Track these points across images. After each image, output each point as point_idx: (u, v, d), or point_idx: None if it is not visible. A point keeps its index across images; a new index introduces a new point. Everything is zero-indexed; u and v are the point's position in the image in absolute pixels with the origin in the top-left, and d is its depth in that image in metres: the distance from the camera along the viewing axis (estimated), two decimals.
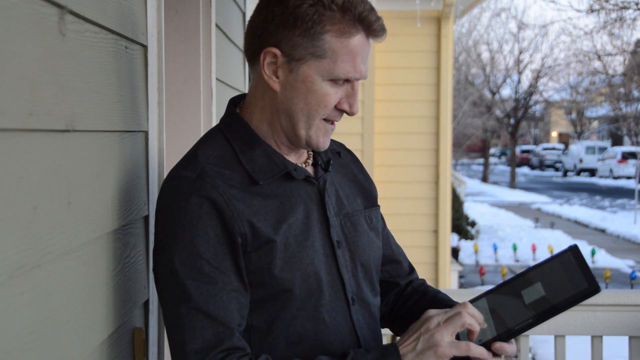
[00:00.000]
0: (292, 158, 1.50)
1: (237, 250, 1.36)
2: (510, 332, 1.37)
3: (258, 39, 1.42)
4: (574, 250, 1.37)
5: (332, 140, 1.64)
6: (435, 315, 1.37)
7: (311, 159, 1.54)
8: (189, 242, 1.34)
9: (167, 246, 1.37)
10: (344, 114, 1.47)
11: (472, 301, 1.42)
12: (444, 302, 1.56)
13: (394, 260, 1.68)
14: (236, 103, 1.53)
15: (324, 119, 1.44)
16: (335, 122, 1.47)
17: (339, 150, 1.61)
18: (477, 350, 1.34)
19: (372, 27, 1.40)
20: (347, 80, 1.42)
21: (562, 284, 1.36)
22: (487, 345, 1.37)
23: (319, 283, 1.42)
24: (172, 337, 1.36)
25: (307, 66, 1.39)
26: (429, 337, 1.34)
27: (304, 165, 1.52)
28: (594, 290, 1.33)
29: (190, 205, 1.35)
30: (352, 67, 1.40)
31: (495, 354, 1.38)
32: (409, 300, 1.64)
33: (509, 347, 1.38)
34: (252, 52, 1.44)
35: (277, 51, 1.39)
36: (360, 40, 1.40)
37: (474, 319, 1.36)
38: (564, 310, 1.35)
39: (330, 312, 1.44)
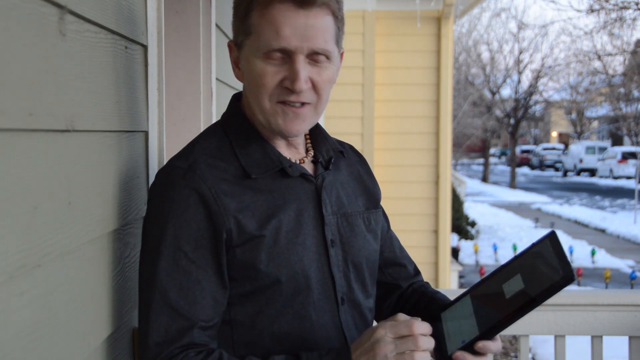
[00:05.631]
0: (290, 154, 1.49)
1: (220, 246, 1.36)
2: (492, 330, 1.33)
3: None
4: (551, 237, 1.35)
5: (341, 142, 1.64)
6: (383, 343, 1.28)
7: (309, 156, 1.54)
8: (171, 233, 1.35)
9: (151, 235, 1.38)
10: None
11: (456, 300, 1.40)
12: (441, 302, 1.56)
13: (397, 263, 1.68)
14: (239, 98, 1.54)
15: (281, 102, 1.40)
16: (304, 105, 1.40)
17: (341, 149, 1.60)
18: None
19: None
20: (286, 55, 1.36)
21: (540, 274, 1.32)
22: (471, 345, 1.33)
23: (307, 281, 1.42)
24: (140, 326, 1.38)
25: (246, 49, 1.41)
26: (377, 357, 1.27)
27: (300, 162, 1.51)
28: (569, 279, 1.28)
29: (178, 196, 1.36)
30: (274, 37, 1.35)
31: (479, 353, 1.34)
32: (409, 301, 1.65)
33: (492, 345, 1.34)
34: None
35: (232, 43, 1.46)
36: (282, 8, 1.35)
37: (425, 353, 1.28)
38: (542, 301, 1.31)
39: (317, 311, 1.43)
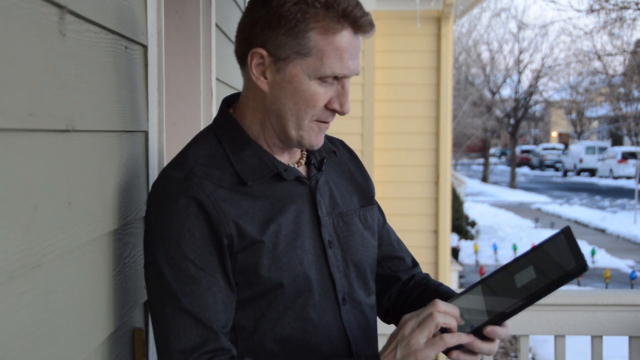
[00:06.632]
0: (284, 158, 1.49)
1: (224, 251, 1.36)
2: (502, 316, 1.35)
3: (245, 40, 1.43)
4: (566, 232, 1.36)
5: (331, 137, 1.63)
6: (408, 320, 1.35)
7: (304, 158, 1.54)
8: (175, 243, 1.35)
9: (155, 246, 1.37)
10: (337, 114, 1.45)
11: (466, 291, 1.41)
12: (445, 294, 1.55)
13: (394, 256, 1.68)
14: (230, 102, 1.53)
15: (317, 120, 1.42)
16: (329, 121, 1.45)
17: (334, 149, 1.60)
18: (453, 339, 1.32)
19: (358, 22, 1.38)
20: (336, 79, 1.39)
21: (552, 265, 1.34)
22: (479, 330, 1.35)
23: (308, 283, 1.42)
24: (157, 336, 1.37)
25: (293, 65, 1.37)
26: (406, 344, 1.31)
27: (296, 165, 1.51)
28: (582, 268, 1.31)
29: (177, 206, 1.35)
30: (339, 64, 1.37)
31: (487, 338, 1.35)
32: (412, 294, 1.64)
33: (501, 331, 1.35)
34: (241, 54, 1.45)
35: (263, 52, 1.39)
36: (347, 36, 1.38)
37: (448, 316, 1.33)
38: (553, 290, 1.33)
39: (318, 312, 1.43)
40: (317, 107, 1.40)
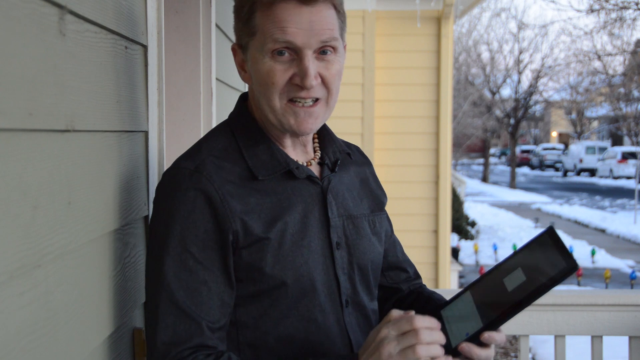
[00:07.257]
0: (297, 155, 1.49)
1: (227, 247, 1.36)
2: (496, 321, 1.33)
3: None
4: (550, 232, 1.35)
5: (347, 142, 1.63)
6: (387, 341, 1.24)
7: (317, 158, 1.54)
8: (178, 234, 1.35)
9: (158, 235, 1.38)
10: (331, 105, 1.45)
11: (456, 297, 1.40)
12: (438, 302, 1.56)
13: (398, 267, 1.68)
14: (246, 98, 1.54)
15: (291, 101, 1.40)
16: (316, 103, 1.40)
17: (348, 151, 1.60)
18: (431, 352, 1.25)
19: None
20: (295, 53, 1.37)
21: (541, 266, 1.32)
22: (476, 337, 1.34)
23: (313, 284, 1.41)
24: (147, 325, 1.37)
25: (251, 49, 1.41)
26: None
27: (307, 164, 1.51)
28: (572, 268, 1.29)
29: (184, 197, 1.36)
30: (280, 33, 1.35)
31: (484, 344, 1.34)
32: (405, 301, 1.65)
33: (497, 336, 1.33)
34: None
35: (236, 47, 1.46)
36: (286, 6, 1.36)
37: (431, 346, 1.24)
38: (546, 291, 1.33)
39: (322, 313, 1.43)
40: (277, 84, 1.38)
